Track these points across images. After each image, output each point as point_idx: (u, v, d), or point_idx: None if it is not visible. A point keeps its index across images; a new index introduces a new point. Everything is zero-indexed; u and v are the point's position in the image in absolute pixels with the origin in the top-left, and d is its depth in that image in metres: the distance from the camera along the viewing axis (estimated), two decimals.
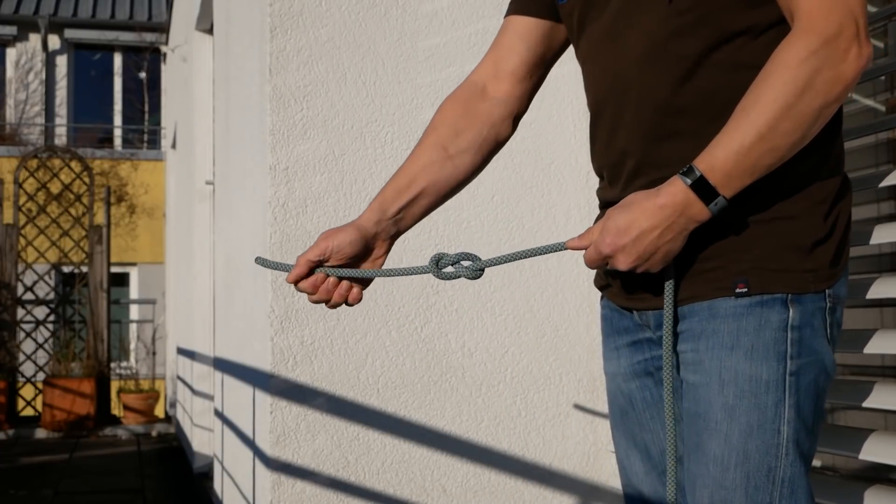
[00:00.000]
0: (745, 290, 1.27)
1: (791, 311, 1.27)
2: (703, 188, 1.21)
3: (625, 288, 1.42)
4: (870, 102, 2.18)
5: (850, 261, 2.09)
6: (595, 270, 1.50)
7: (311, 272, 1.41)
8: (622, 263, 1.25)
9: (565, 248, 1.32)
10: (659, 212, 1.23)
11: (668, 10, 1.29)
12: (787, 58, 1.19)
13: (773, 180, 1.26)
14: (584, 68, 1.48)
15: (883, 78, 2.07)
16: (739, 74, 1.26)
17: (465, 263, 1.40)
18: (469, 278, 1.40)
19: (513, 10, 1.56)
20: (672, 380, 1.34)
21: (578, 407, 2.70)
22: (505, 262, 1.38)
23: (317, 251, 1.41)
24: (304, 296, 2.50)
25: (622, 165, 1.38)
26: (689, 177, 1.22)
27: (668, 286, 1.31)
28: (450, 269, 1.38)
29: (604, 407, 2.71)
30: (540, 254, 1.35)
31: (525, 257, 1.37)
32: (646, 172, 1.33)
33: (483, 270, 1.39)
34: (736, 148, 1.20)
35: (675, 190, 1.22)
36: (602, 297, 1.53)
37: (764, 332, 1.27)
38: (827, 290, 1.29)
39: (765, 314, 1.27)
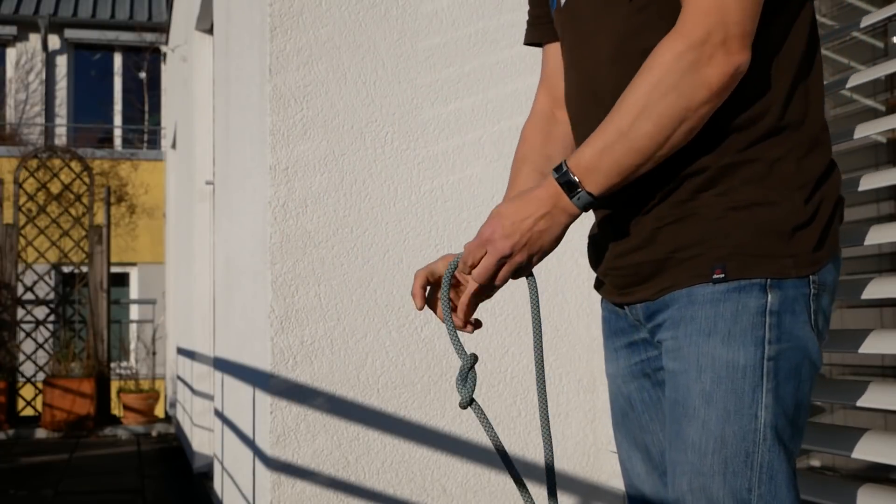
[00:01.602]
0: (723, 275, 1.28)
1: (769, 296, 1.27)
2: (567, 182, 1.27)
3: (615, 284, 1.43)
4: (870, 102, 2.18)
5: (851, 261, 2.08)
6: (595, 275, 1.51)
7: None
8: (500, 246, 1.30)
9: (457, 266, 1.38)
10: (535, 201, 1.30)
11: (629, 8, 1.32)
12: (654, 60, 1.23)
13: (749, 167, 1.28)
14: (565, 76, 1.50)
15: (883, 78, 2.07)
16: None
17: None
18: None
19: (544, 38, 1.61)
20: (543, 375, 1.41)
21: (578, 407, 2.70)
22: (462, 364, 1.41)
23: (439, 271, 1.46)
24: (304, 296, 2.50)
25: None
26: (558, 171, 1.29)
27: (531, 282, 1.36)
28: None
29: (604, 407, 2.71)
30: (449, 335, 1.39)
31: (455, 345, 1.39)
32: None
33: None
34: (600, 146, 1.25)
35: (549, 183, 1.29)
36: (601, 299, 1.54)
37: (741, 317, 1.27)
38: (811, 277, 1.29)
39: (742, 300, 1.27)
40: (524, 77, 2.71)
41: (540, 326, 1.37)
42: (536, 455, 2.66)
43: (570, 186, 1.27)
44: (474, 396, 1.41)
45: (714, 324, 1.28)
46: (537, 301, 1.37)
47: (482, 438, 2.62)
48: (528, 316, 2.68)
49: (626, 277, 1.40)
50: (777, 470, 1.26)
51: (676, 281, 1.32)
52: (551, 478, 1.42)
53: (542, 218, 1.29)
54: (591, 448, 2.70)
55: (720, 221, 1.29)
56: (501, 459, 1.41)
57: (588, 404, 2.70)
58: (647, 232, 1.35)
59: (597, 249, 1.49)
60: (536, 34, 1.62)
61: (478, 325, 1.48)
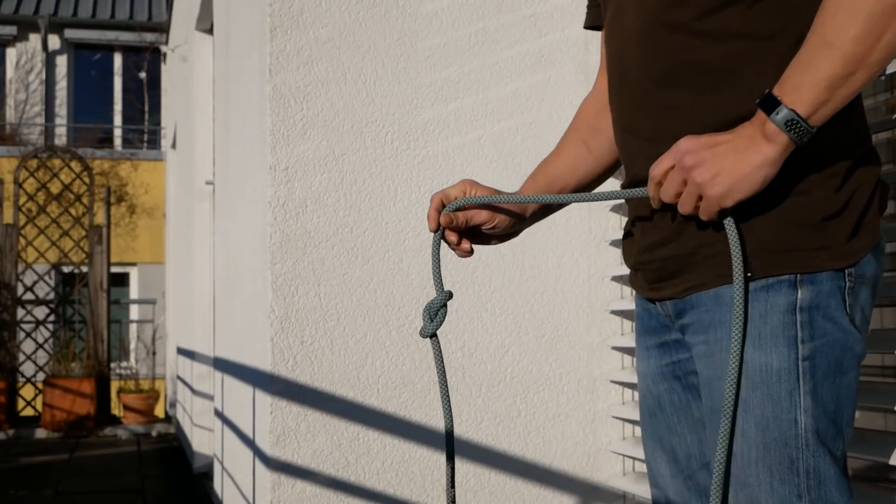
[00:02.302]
0: (749, 274, 1.22)
1: (800, 292, 1.20)
2: (768, 102, 1.15)
3: (646, 278, 1.39)
4: (869, 102, 2.18)
5: None
6: (630, 272, 1.47)
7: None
8: (699, 175, 1.17)
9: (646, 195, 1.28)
10: (733, 133, 1.18)
11: None
12: None
13: None
14: (605, 54, 1.47)
15: (883, 78, 2.07)
16: (734, 44, 1.23)
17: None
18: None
19: (601, 21, 1.55)
20: (739, 367, 1.23)
21: (578, 407, 2.70)
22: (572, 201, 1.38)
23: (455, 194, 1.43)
24: (304, 296, 2.50)
25: (629, 144, 1.36)
26: (760, 96, 1.17)
27: (729, 224, 1.22)
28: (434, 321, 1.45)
29: (603, 407, 2.71)
30: (620, 197, 1.33)
31: (605, 199, 1.34)
32: (642, 150, 1.32)
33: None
34: (803, 62, 1.13)
35: (753, 117, 1.18)
36: (635, 294, 1.50)
37: (770, 317, 1.21)
38: (847, 269, 1.21)
39: (770, 298, 1.21)
40: (524, 77, 2.71)
41: (741, 267, 1.22)
42: (536, 455, 2.66)
43: (769, 104, 1.14)
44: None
45: None
46: (738, 244, 1.21)
47: (482, 438, 2.62)
48: (528, 316, 2.68)
49: (654, 272, 1.36)
50: (825, 474, 1.20)
51: (702, 280, 1.28)
52: None
53: (741, 140, 1.16)
54: (591, 448, 2.70)
55: (744, 214, 1.22)
56: (443, 410, 1.41)
57: (588, 405, 2.70)
58: (672, 225, 1.30)
59: (628, 242, 1.45)
60: (593, 17, 1.57)
61: (469, 252, 1.45)
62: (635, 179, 1.36)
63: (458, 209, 1.41)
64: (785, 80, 1.15)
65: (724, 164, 1.17)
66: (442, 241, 1.43)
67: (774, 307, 1.21)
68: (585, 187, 1.54)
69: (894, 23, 1.10)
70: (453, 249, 1.45)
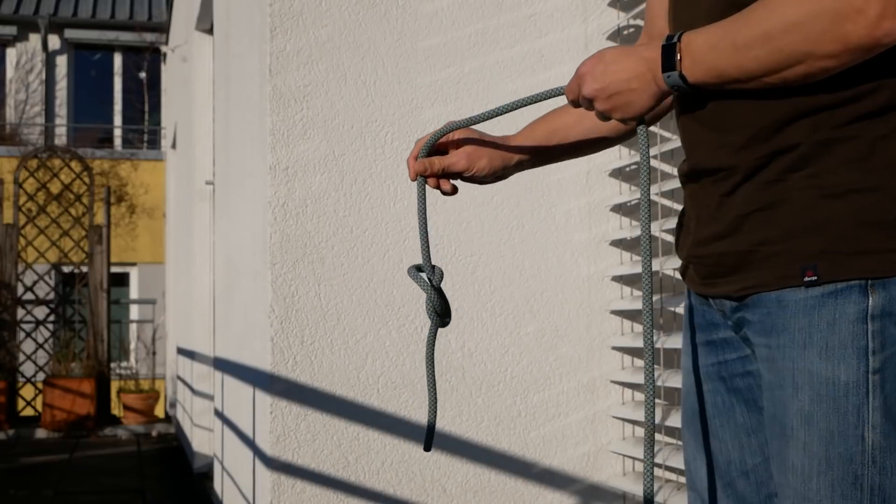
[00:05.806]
0: (815, 277, 1.15)
1: (871, 298, 1.13)
2: (669, 54, 1.18)
3: (698, 273, 1.33)
4: None
5: None
6: (682, 264, 1.43)
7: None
8: (587, 86, 1.24)
9: (562, 93, 1.34)
10: (637, 58, 1.21)
11: None
12: None
13: (847, 145, 1.15)
14: (670, 28, 1.43)
15: None
16: None
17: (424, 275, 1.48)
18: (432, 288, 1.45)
19: None
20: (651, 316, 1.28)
21: (578, 407, 2.70)
22: (493, 115, 1.40)
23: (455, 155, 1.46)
24: (304, 296, 2.50)
25: (690, 130, 1.32)
26: (669, 40, 1.19)
27: (641, 130, 1.30)
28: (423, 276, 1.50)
29: (603, 407, 2.71)
30: (538, 100, 1.37)
31: (518, 107, 1.39)
32: (704, 138, 1.27)
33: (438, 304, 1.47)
34: (713, 42, 1.15)
35: (657, 46, 1.20)
36: (687, 287, 1.45)
37: (839, 326, 1.14)
38: None
39: (840, 306, 1.14)
40: (524, 77, 2.71)
41: (648, 175, 1.30)
42: (536, 455, 2.66)
43: (668, 61, 1.18)
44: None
45: (809, 335, 1.16)
46: (647, 151, 1.31)
47: (482, 438, 2.62)
48: (528, 316, 2.68)
49: (708, 267, 1.30)
50: (890, 494, 1.14)
51: (763, 281, 1.21)
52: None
53: (636, 77, 1.21)
54: (591, 448, 2.70)
55: (811, 212, 1.16)
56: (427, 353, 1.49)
57: (588, 404, 2.70)
58: (731, 219, 1.24)
59: (681, 232, 1.39)
60: None
61: (453, 190, 1.47)
62: (696, 168, 1.29)
63: (430, 148, 1.44)
64: (696, 39, 1.16)
65: (619, 103, 1.23)
66: (427, 186, 1.47)
67: (843, 316, 1.14)
68: (590, 145, 1.53)
69: (797, 67, 1.10)
70: (437, 189, 1.48)
